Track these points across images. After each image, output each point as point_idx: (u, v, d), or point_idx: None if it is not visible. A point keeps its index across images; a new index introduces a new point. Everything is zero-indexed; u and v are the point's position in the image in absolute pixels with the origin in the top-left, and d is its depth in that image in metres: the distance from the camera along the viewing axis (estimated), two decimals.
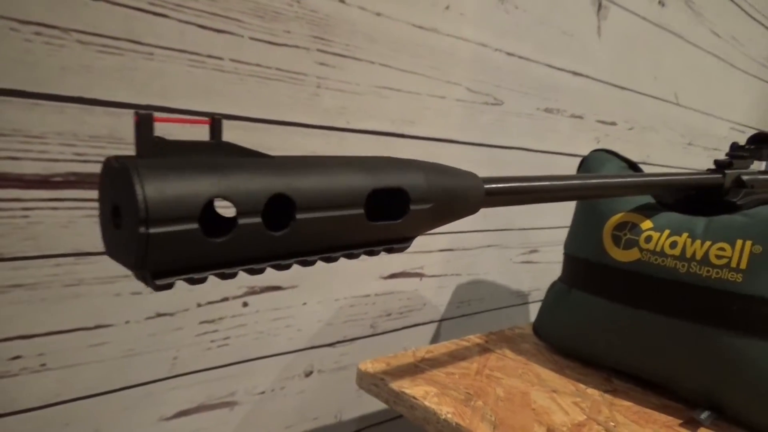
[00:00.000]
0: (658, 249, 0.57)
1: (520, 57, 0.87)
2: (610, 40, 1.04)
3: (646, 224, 0.59)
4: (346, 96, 0.67)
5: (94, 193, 0.51)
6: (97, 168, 0.50)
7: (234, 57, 0.57)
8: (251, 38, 0.57)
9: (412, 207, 0.30)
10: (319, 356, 0.72)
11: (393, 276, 0.78)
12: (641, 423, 0.53)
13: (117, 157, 0.23)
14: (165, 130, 0.50)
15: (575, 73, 0.98)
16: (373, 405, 0.80)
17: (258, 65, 0.58)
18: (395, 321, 0.80)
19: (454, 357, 0.66)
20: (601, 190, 0.44)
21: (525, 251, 0.99)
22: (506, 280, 0.97)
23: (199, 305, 0.60)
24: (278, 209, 0.25)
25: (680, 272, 0.54)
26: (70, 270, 0.50)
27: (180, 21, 0.53)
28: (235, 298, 0.62)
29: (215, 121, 0.25)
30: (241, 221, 0.23)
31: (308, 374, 0.72)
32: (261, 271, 0.26)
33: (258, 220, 0.24)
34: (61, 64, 0.47)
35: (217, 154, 0.25)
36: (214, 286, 0.60)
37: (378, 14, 0.68)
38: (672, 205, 0.63)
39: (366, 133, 0.70)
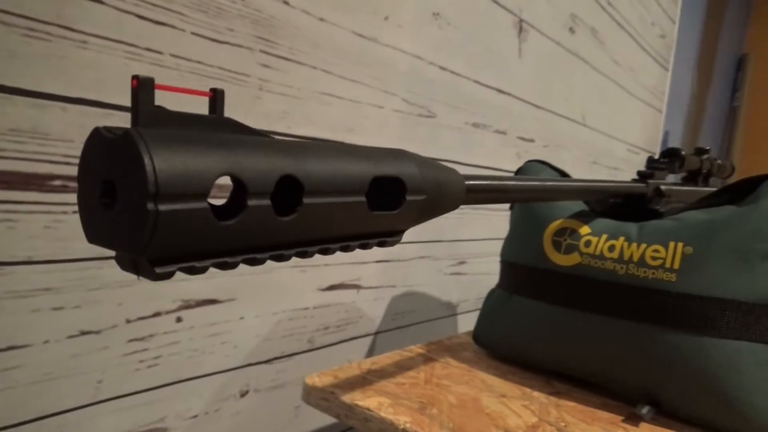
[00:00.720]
0: (597, 252, 0.59)
1: (452, 72, 0.90)
2: (529, 61, 1.09)
3: (585, 229, 0.62)
4: (288, 100, 0.65)
5: (12, 195, 0.45)
6: (16, 166, 0.44)
7: (175, 52, 0.53)
8: (193, 33, 0.54)
9: (408, 198, 0.29)
10: (255, 374, 0.68)
11: (331, 288, 0.76)
12: (588, 421, 0.55)
13: (109, 128, 0.20)
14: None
15: (499, 91, 1.02)
16: (313, 423, 0.77)
17: (200, 62, 0.55)
18: (333, 335, 0.78)
19: (400, 367, 0.65)
20: (559, 192, 0.45)
21: (454, 263, 1.01)
22: (437, 292, 0.98)
23: (128, 321, 0.54)
24: (283, 193, 0.23)
25: (619, 274, 0.57)
26: None
27: (118, 9, 0.48)
28: (168, 312, 0.57)
29: (217, 94, 0.22)
30: (251, 203, 0.21)
31: (244, 394, 0.67)
32: (262, 261, 0.23)
33: (267, 202, 0.22)
34: None
35: (219, 129, 0.22)
36: (144, 299, 0.55)
37: (321, 19, 0.67)
38: (602, 212, 0.67)
39: (308, 139, 0.68)
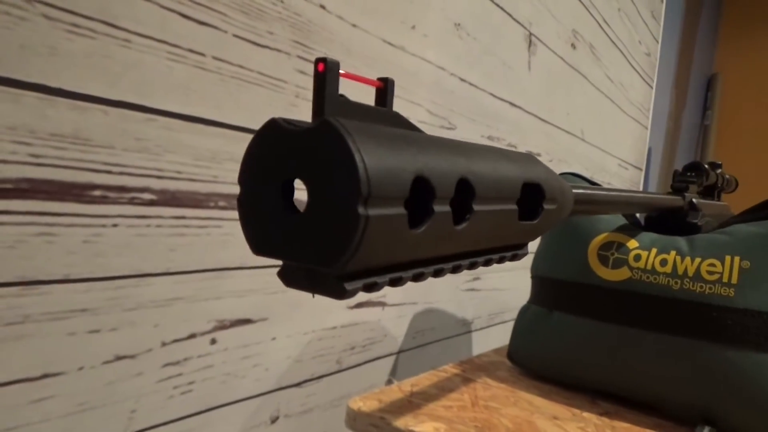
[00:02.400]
0: (648, 267, 0.58)
1: (470, 84, 0.88)
2: (537, 75, 1.09)
3: (632, 243, 0.60)
4: None
5: (50, 206, 0.40)
6: (56, 174, 0.40)
7: (217, 55, 0.50)
8: (235, 35, 0.51)
9: (546, 206, 0.26)
10: (286, 399, 0.64)
11: (359, 305, 0.72)
12: None
13: (289, 120, 0.17)
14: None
15: (512, 104, 1.01)
16: None
17: (241, 66, 0.52)
18: (359, 355, 0.74)
19: (441, 389, 0.62)
20: (637, 206, 0.44)
21: (469, 278, 0.98)
22: (454, 309, 0.95)
23: (163, 344, 0.50)
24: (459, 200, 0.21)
25: (673, 289, 0.56)
26: (13, 303, 0.39)
27: (161, 6, 0.45)
28: (203, 333, 0.53)
29: (388, 85, 0.19)
30: (437, 208, 0.18)
31: (274, 420, 0.63)
32: (441, 273, 0.20)
33: (447, 208, 0.19)
34: (21, 42, 0.37)
35: (391, 123, 0.19)
36: (179, 320, 0.51)
37: (354, 26, 0.64)
38: (640, 226, 0.65)
39: None
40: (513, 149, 0.27)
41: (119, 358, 0.47)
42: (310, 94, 0.60)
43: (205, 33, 0.48)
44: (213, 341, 0.54)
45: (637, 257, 0.59)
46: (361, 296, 0.72)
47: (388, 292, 0.77)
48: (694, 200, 0.67)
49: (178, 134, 0.47)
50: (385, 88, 0.20)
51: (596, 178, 1.51)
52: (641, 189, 2.13)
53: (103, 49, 0.42)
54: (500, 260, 0.26)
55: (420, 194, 0.19)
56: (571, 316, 0.63)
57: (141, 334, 0.48)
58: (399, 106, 0.73)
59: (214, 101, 0.50)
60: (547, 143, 1.18)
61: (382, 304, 0.77)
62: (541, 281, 0.69)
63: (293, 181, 0.16)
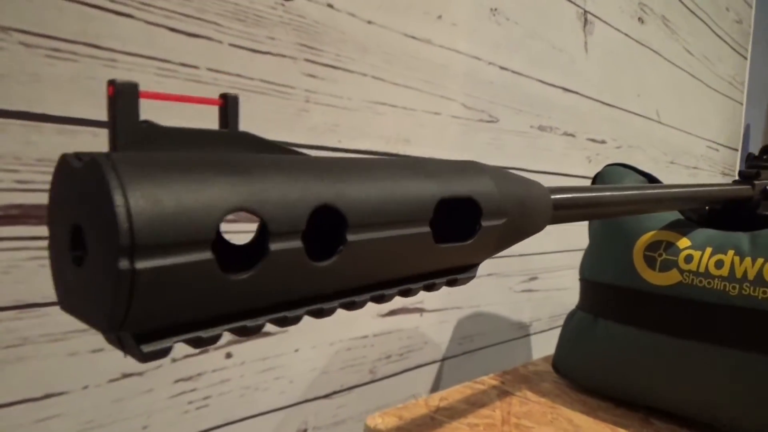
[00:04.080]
0: (701, 270, 0.50)
1: (513, 72, 0.82)
2: (596, 56, 1.00)
3: (683, 242, 0.53)
4: (337, 112, 0.59)
5: (42, 230, 0.41)
6: (45, 199, 0.41)
7: (212, 66, 0.49)
8: (231, 45, 0.50)
9: (485, 223, 0.22)
10: (314, 410, 0.63)
11: (392, 313, 0.69)
12: None
13: (79, 154, 0.14)
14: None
15: (566, 90, 0.94)
16: None
17: (239, 76, 0.51)
18: (396, 364, 0.71)
19: (472, 404, 0.58)
20: (663, 202, 0.37)
21: (525, 279, 0.92)
22: (507, 312, 0.90)
23: (173, 360, 0.50)
24: (320, 228, 0.17)
25: (731, 295, 0.48)
26: (11, 327, 0.40)
27: (147, 22, 0.44)
28: (216, 348, 0.53)
29: (229, 102, 0.17)
30: (275, 246, 0.15)
31: None
32: (296, 320, 0.17)
33: (297, 244, 0.16)
34: (0, 72, 0.38)
35: (233, 147, 0.17)
36: None
37: (369, 22, 0.61)
38: (699, 221, 0.57)
39: (360, 153, 0.62)
40: (449, 159, 0.23)
41: (126, 375, 0.47)
42: (322, 98, 0.58)
43: (198, 45, 0.47)
44: (228, 355, 0.54)
45: (689, 258, 0.51)
46: (394, 303, 0.69)
47: (425, 298, 0.74)
48: None
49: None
50: (225, 107, 0.17)
51: (679, 163, 1.38)
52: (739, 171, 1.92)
53: (88, 70, 0.42)
54: (429, 288, 0.22)
55: (258, 230, 0.16)
56: (616, 324, 0.56)
57: None
58: (428, 102, 0.69)
59: (211, 114, 0.49)
60: (613, 129, 1.09)
61: (420, 310, 0.73)
62: (586, 285, 0.63)
63: (78, 226, 0.14)
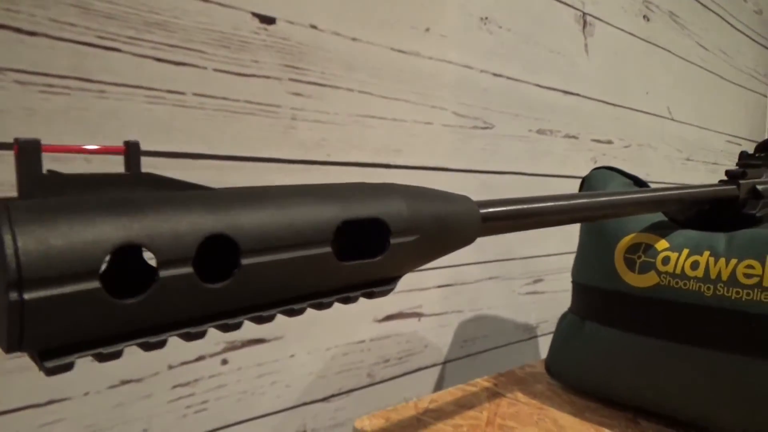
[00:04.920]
0: (677, 271, 0.51)
1: (508, 78, 0.83)
2: (598, 57, 1.00)
3: (662, 244, 0.53)
4: (324, 127, 0.62)
5: None
6: None
7: (197, 91, 0.52)
8: (216, 70, 0.53)
9: (393, 240, 0.24)
10: (312, 413, 0.65)
11: (389, 318, 0.72)
12: None
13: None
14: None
15: (566, 92, 0.94)
16: None
17: (225, 98, 0.54)
18: (394, 367, 0.74)
19: (461, 405, 0.59)
20: (611, 208, 0.39)
21: (529, 281, 0.93)
22: (511, 314, 0.91)
23: (170, 367, 0.53)
24: (220, 255, 0.20)
25: (706, 296, 0.49)
26: None
27: (135, 55, 0.48)
28: (212, 355, 0.56)
29: (130, 148, 0.19)
30: (164, 273, 0.18)
31: None
32: (200, 335, 0.20)
33: (188, 270, 0.18)
34: None
35: (134, 188, 0.19)
36: (186, 344, 0.54)
37: (354, 39, 0.64)
38: (685, 222, 0.58)
39: (349, 165, 0.65)
40: (364, 183, 0.26)
41: (125, 382, 0.50)
42: (308, 115, 0.60)
43: (183, 72, 0.51)
44: (224, 362, 0.57)
45: (666, 260, 0.52)
46: (390, 308, 0.71)
47: (423, 302, 0.76)
48: (759, 186, 0.58)
49: (163, 171, 0.50)
50: (128, 152, 0.20)
51: (696, 159, 1.36)
52: None
53: (80, 102, 0.46)
54: (345, 300, 0.25)
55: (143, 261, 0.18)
56: (601, 326, 0.57)
57: (145, 359, 0.51)
58: (419, 113, 0.71)
59: (199, 135, 0.52)
60: (619, 128, 1.08)
61: (418, 314, 0.75)
62: (575, 287, 0.63)
63: None
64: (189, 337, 0.20)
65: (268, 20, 0.56)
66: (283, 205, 0.21)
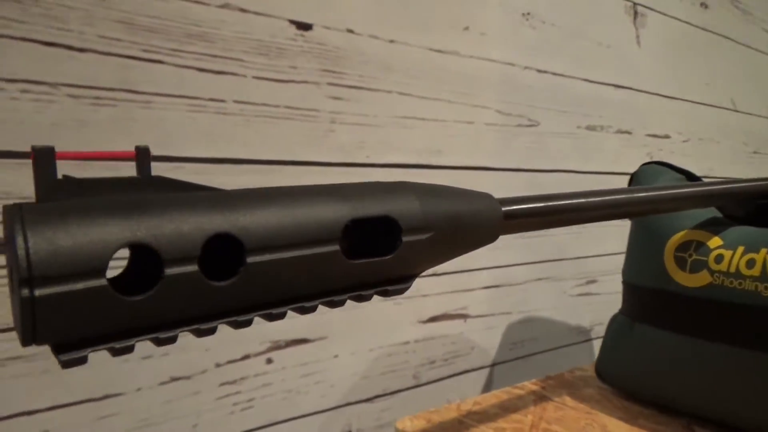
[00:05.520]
0: (732, 270, 0.48)
1: (554, 74, 0.81)
2: (651, 49, 0.96)
3: (715, 241, 0.51)
4: (364, 129, 0.63)
5: None
6: None
7: (238, 98, 0.54)
8: (255, 77, 0.54)
9: (405, 238, 0.24)
10: (357, 413, 0.66)
11: (433, 319, 0.71)
12: None
13: (8, 206, 0.18)
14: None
15: (617, 86, 0.91)
16: None
17: (265, 104, 0.55)
18: (441, 369, 0.73)
19: (506, 408, 0.58)
20: (649, 204, 0.37)
21: (581, 282, 0.90)
22: (563, 316, 0.89)
23: (217, 365, 0.55)
24: (228, 253, 0.21)
25: (763, 296, 0.46)
26: None
27: (177, 66, 0.50)
28: (257, 354, 0.57)
29: (141, 153, 0.20)
30: (169, 271, 0.18)
31: None
32: (210, 331, 0.21)
33: (193, 268, 0.19)
34: (51, 120, 0.45)
35: (144, 191, 0.20)
36: (232, 343, 0.56)
37: (391, 41, 0.64)
38: (743, 218, 0.55)
39: (389, 167, 0.65)
40: (377, 182, 0.26)
41: (174, 379, 0.53)
42: (347, 118, 0.61)
43: (224, 81, 0.53)
44: (269, 361, 0.58)
45: (719, 258, 0.49)
46: (434, 309, 0.71)
47: (468, 304, 0.75)
48: None
49: (207, 176, 0.52)
50: (138, 157, 0.21)
51: (764, 152, 1.27)
52: None
53: (126, 113, 0.48)
54: (359, 298, 0.25)
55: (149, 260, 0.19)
56: (651, 328, 0.55)
57: (193, 358, 0.53)
58: (460, 112, 0.71)
59: (240, 141, 0.54)
60: (677, 122, 1.03)
61: (464, 316, 0.75)
62: (625, 287, 0.61)
63: (9, 264, 0.18)
64: (199, 333, 0.21)
65: (305, 27, 0.57)
66: (290, 205, 0.22)
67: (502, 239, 0.77)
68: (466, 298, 0.75)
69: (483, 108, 0.73)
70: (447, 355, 0.74)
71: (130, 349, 0.19)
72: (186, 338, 0.52)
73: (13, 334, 0.45)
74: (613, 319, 0.63)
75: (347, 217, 0.23)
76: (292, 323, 0.59)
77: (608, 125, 0.90)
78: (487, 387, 0.79)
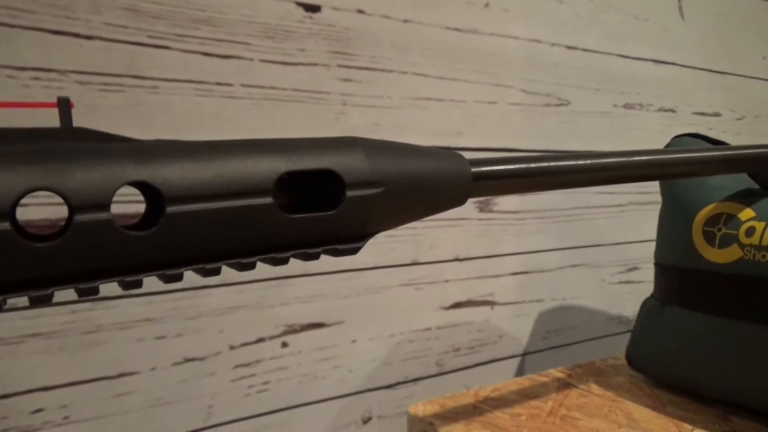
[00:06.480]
0: (765, 243, 0.44)
1: (585, 50, 0.78)
2: (698, 20, 0.90)
3: (746, 213, 0.47)
4: (377, 111, 0.62)
5: None
6: None
7: (245, 82, 0.54)
8: (262, 60, 0.55)
9: (350, 193, 0.23)
10: (378, 400, 0.65)
11: (457, 305, 0.69)
12: None
13: None
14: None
15: (657, 61, 0.86)
16: None
17: (272, 88, 0.55)
18: (466, 357, 0.71)
19: (526, 395, 0.56)
20: (657, 167, 0.34)
21: (621, 270, 0.86)
22: (602, 305, 0.84)
23: (231, 347, 0.56)
24: (151, 206, 0.20)
25: None
26: (86, 316, 0.49)
27: (183, 51, 0.51)
28: (272, 338, 0.58)
29: (62, 103, 0.20)
30: (79, 218, 0.18)
31: (366, 421, 0.64)
32: (136, 284, 0.20)
33: (106, 215, 0.19)
34: None
35: (64, 141, 0.20)
36: (245, 325, 0.56)
37: (405, 21, 0.63)
38: None
39: None
40: (326, 137, 0.25)
41: (188, 360, 0.54)
42: (360, 100, 0.61)
43: (230, 65, 0.53)
44: (284, 344, 0.58)
45: (750, 231, 0.45)
46: (457, 295, 0.69)
47: (496, 290, 0.72)
48: None
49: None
50: (60, 107, 0.21)
51: None
52: None
53: (134, 98, 0.49)
54: (305, 256, 0.24)
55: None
56: (681, 309, 0.51)
57: (207, 339, 0.54)
58: (481, 92, 0.69)
59: (249, 124, 0.54)
60: (729, 99, 0.97)
61: (490, 303, 0.72)
62: (655, 269, 0.57)
63: None
64: (125, 286, 0.20)
65: (313, 8, 0.57)
66: (218, 156, 0.21)
67: (530, 224, 0.74)
68: (493, 285, 0.72)
69: (506, 87, 0.71)
70: (473, 342, 0.72)
71: (48, 299, 0.19)
72: (198, 320, 0.52)
73: (31, 312, 0.47)
74: (644, 303, 0.59)
75: (281, 169, 0.22)
76: (306, 307, 0.59)
77: (648, 103, 0.85)
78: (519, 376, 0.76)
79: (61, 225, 0.19)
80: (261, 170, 0.22)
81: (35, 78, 0.45)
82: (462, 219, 0.68)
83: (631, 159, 0.33)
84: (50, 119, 0.23)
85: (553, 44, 0.75)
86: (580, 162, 0.31)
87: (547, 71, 0.74)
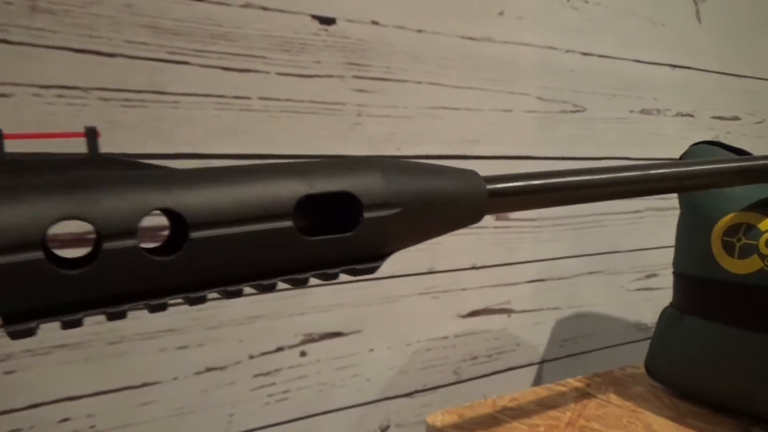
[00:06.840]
0: None
1: (600, 56, 0.77)
2: (715, 24, 0.89)
3: (766, 223, 0.46)
4: (392, 121, 0.62)
5: None
6: None
7: (262, 95, 0.55)
8: (278, 73, 0.55)
9: (367, 215, 0.24)
10: (396, 408, 0.65)
11: (474, 314, 0.70)
12: None
13: None
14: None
15: (674, 66, 0.85)
16: None
17: (288, 100, 0.56)
18: (483, 365, 0.71)
19: (544, 405, 0.56)
20: (666, 181, 0.34)
21: (640, 276, 0.85)
22: (620, 312, 0.84)
23: (251, 357, 0.56)
24: (175, 231, 0.21)
25: None
26: (111, 327, 0.50)
27: (202, 66, 0.52)
28: (291, 347, 0.58)
29: (89, 133, 0.21)
30: (107, 246, 0.19)
31: (385, 429, 0.65)
32: (161, 307, 0.21)
33: (132, 242, 0.19)
34: (85, 122, 0.48)
35: (91, 169, 0.21)
36: (265, 335, 0.57)
37: (419, 31, 0.63)
38: None
39: (421, 158, 0.64)
40: (344, 158, 0.25)
41: (209, 369, 0.54)
42: (375, 110, 0.61)
43: (248, 78, 0.54)
44: (303, 353, 0.59)
45: None
46: (474, 303, 0.69)
47: (513, 298, 0.72)
48: None
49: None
50: (88, 137, 0.21)
51: None
52: None
53: (155, 113, 0.50)
54: (324, 276, 0.24)
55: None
56: (700, 320, 0.51)
57: (227, 349, 0.55)
58: (496, 100, 0.69)
59: (266, 137, 0.55)
60: (748, 102, 0.96)
61: (507, 311, 0.72)
62: (674, 278, 0.57)
63: None
64: (151, 309, 0.21)
65: (328, 21, 0.57)
66: (239, 182, 0.22)
67: (547, 231, 0.74)
68: (510, 293, 0.72)
69: (522, 95, 0.71)
70: (490, 351, 0.72)
71: (78, 323, 0.20)
72: (219, 330, 0.53)
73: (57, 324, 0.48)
74: (663, 312, 0.59)
75: (301, 192, 0.23)
76: (325, 317, 0.60)
77: (666, 108, 0.85)
78: (536, 385, 0.76)
79: (86, 240, 0.20)
80: (281, 194, 0.22)
81: (59, 95, 0.47)
82: (478, 227, 0.68)
83: (648, 173, 0.33)
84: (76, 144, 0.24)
85: (568, 51, 0.75)
86: (596, 177, 0.31)
87: (563, 78, 0.74)
